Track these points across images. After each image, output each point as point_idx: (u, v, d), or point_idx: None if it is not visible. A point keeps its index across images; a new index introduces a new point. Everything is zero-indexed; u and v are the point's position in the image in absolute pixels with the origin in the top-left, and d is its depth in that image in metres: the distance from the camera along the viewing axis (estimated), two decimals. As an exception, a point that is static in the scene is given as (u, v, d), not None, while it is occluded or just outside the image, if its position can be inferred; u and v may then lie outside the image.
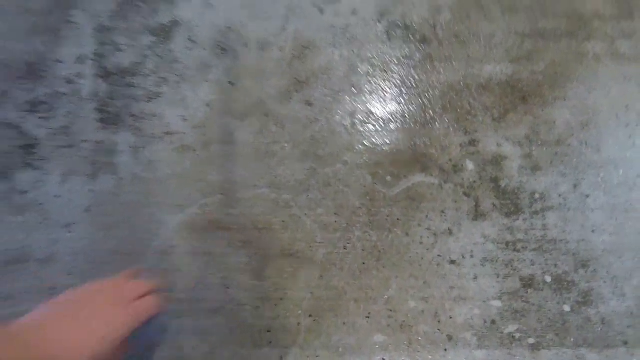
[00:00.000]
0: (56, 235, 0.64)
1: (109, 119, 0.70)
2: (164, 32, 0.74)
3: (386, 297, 0.62)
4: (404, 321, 0.61)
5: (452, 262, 0.63)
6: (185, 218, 0.65)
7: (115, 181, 0.67)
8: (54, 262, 0.63)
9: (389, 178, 0.67)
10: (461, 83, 0.71)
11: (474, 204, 0.66)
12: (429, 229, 0.65)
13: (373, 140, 0.69)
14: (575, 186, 0.66)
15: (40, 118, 0.69)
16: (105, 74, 0.71)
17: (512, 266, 0.63)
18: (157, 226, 0.65)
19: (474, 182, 0.66)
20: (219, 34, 0.74)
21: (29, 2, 0.74)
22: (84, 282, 0.62)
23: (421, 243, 0.64)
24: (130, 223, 0.65)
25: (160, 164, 0.68)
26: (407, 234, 0.65)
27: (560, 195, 0.66)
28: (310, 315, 0.61)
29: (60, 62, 0.72)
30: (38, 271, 0.62)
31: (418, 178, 0.67)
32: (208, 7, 0.75)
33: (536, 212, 0.65)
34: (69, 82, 0.71)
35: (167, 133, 0.69)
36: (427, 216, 0.65)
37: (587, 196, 0.66)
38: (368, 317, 0.61)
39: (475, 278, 0.63)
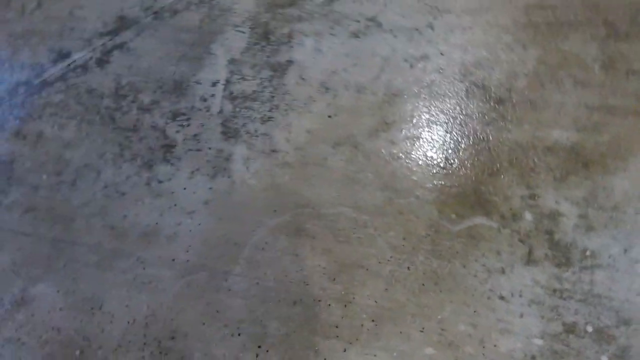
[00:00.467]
0: (181, 219, 0.81)
1: (230, 133, 0.87)
2: (281, 69, 0.91)
3: (439, 317, 0.72)
4: (452, 340, 0.71)
5: (502, 297, 0.72)
6: (279, 222, 0.80)
7: (229, 183, 0.83)
8: (177, 239, 0.80)
9: (453, 216, 0.78)
10: (528, 143, 0.81)
11: (528, 250, 0.74)
12: (484, 265, 0.75)
13: (443, 182, 0.80)
14: (625, 250, 0.73)
15: (179, 125, 0.88)
16: (231, 97, 0.90)
17: (557, 311, 0.71)
18: (257, 225, 0.80)
19: (530, 231, 0.76)
20: (325, 76, 0.90)
21: (182, 34, 0.95)
22: (198, 259, 0.78)
23: (475, 276, 0.74)
24: (237, 218, 0.81)
25: (264, 175, 0.84)
26: (464, 266, 0.75)
27: (610, 256, 0.73)
28: (373, 320, 0.73)
29: (199, 83, 0.91)
30: (164, 244, 0.80)
31: (479, 220, 0.77)
32: (318, 52, 0.91)
33: (585, 267, 0.73)
34: (204, 100, 0.90)
35: (273, 150, 0.85)
36: (483, 254, 0.75)
37: (637, 262, 0.72)
38: (422, 331, 0.72)
39: (522, 316, 0.71)
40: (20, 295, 0.78)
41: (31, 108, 0.91)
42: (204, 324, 0.74)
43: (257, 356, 0.72)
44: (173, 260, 0.79)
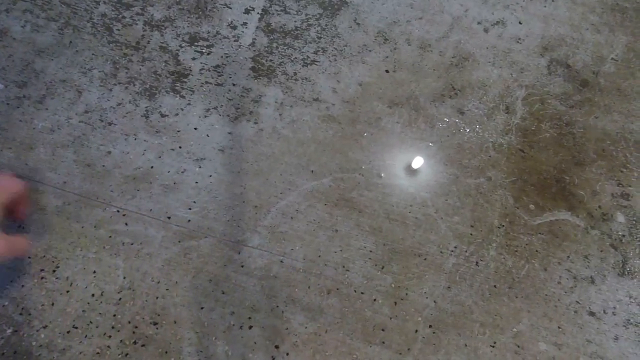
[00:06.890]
0: (186, 166, 0.61)
1: (262, 70, 0.69)
2: (332, 8, 0.74)
3: (515, 330, 0.56)
4: (531, 362, 0.54)
5: (592, 313, 0.57)
6: (317, 186, 0.62)
7: (255, 130, 0.64)
8: (176, 191, 0.59)
9: (532, 206, 0.63)
10: (619, 135, 0.68)
11: (622, 258, 0.61)
12: (569, 270, 0.60)
13: (521, 165, 0.66)
14: None
15: (196, 52, 0.69)
16: (268, 30, 0.72)
17: (655, 337, 0.57)
18: (287, 186, 0.61)
19: (623, 236, 0.62)
20: (384, 25, 0.74)
21: (214, -53, 0.77)
22: (202, 219, 0.58)
23: (559, 283, 0.59)
24: (261, 175, 0.62)
25: (302, 126, 0.65)
26: (545, 269, 0.59)
27: None
28: (430, 326, 0.55)
29: (229, 7, 0.73)
30: (159, 195, 0.59)
31: (563, 215, 0.63)
32: (379, -3, 0.76)
33: (685, 287, 0.60)
34: (233, 27, 0.71)
35: (316, 100, 0.68)
36: (568, 257, 0.60)
37: None
38: (493, 346, 0.55)
39: (616, 339, 0.56)
40: None
41: (-2, -2, 0.68)
42: (202, 307, 0.54)
43: (272, 359, 0.52)
44: (169, 217, 0.58)
